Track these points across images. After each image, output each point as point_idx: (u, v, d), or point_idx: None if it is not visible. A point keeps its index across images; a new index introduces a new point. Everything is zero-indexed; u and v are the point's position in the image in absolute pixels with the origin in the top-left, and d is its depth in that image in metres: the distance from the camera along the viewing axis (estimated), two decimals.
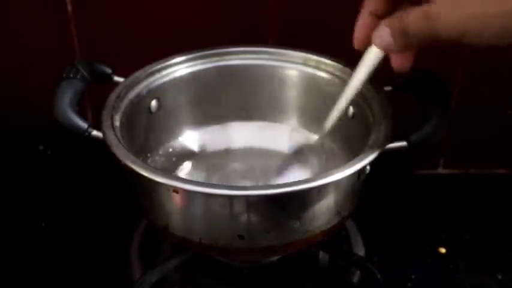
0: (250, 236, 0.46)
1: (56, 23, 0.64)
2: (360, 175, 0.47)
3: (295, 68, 0.58)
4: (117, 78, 0.54)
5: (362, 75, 0.46)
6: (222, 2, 0.63)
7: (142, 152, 0.55)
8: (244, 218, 0.44)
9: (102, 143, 0.47)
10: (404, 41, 0.40)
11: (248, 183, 0.56)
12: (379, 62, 0.44)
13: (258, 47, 0.59)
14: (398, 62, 0.43)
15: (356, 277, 0.56)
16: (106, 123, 0.48)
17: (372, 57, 0.44)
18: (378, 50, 0.43)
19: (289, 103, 0.60)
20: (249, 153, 0.60)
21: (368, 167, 0.47)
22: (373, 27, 0.43)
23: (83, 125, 0.47)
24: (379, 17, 0.43)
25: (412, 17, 0.39)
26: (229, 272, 0.56)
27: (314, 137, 0.58)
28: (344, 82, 0.54)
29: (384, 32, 0.41)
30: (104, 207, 0.65)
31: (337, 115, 0.49)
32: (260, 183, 0.56)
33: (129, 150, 0.45)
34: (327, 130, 0.49)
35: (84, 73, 0.51)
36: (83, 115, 0.48)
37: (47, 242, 0.61)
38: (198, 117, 0.60)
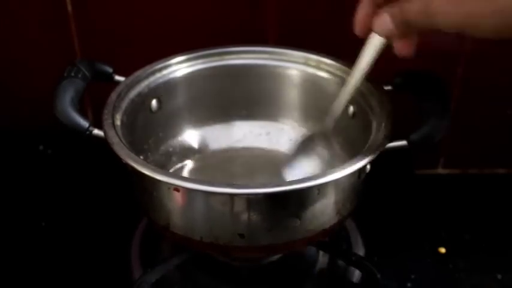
0: (250, 234, 0.46)
1: (56, 23, 0.64)
2: (360, 174, 0.47)
3: (296, 67, 0.58)
4: (117, 78, 0.54)
5: (365, 62, 0.47)
6: (222, 2, 0.63)
7: (142, 151, 0.55)
8: (244, 216, 0.44)
9: (102, 142, 0.47)
10: (405, 29, 0.42)
11: (249, 182, 0.56)
12: (381, 50, 0.45)
13: (258, 47, 0.59)
14: (402, 49, 0.44)
15: (356, 277, 0.56)
16: (107, 122, 0.48)
17: (373, 44, 0.45)
18: (379, 37, 0.44)
19: (289, 102, 0.60)
20: (249, 152, 0.60)
21: (368, 166, 0.47)
22: (373, 16, 0.44)
23: (84, 123, 0.47)
24: (379, 5, 0.44)
25: (413, 10, 0.40)
26: (229, 272, 0.56)
27: (314, 136, 0.59)
28: (344, 81, 0.54)
29: (385, 20, 0.42)
30: (104, 207, 0.64)
31: (344, 101, 0.50)
32: (261, 182, 0.56)
33: (130, 149, 0.46)
34: (334, 117, 0.51)
35: (85, 72, 0.52)
36: (83, 114, 0.48)
37: (47, 242, 0.61)
38: (198, 116, 0.60)
